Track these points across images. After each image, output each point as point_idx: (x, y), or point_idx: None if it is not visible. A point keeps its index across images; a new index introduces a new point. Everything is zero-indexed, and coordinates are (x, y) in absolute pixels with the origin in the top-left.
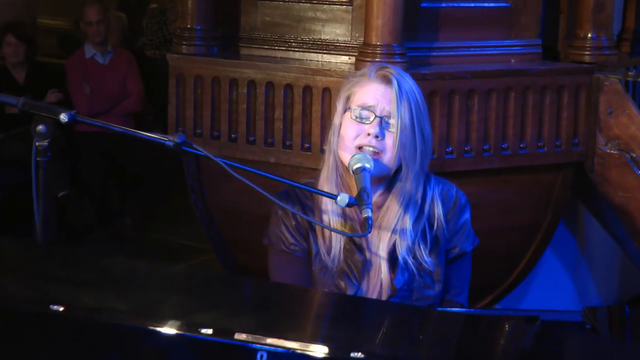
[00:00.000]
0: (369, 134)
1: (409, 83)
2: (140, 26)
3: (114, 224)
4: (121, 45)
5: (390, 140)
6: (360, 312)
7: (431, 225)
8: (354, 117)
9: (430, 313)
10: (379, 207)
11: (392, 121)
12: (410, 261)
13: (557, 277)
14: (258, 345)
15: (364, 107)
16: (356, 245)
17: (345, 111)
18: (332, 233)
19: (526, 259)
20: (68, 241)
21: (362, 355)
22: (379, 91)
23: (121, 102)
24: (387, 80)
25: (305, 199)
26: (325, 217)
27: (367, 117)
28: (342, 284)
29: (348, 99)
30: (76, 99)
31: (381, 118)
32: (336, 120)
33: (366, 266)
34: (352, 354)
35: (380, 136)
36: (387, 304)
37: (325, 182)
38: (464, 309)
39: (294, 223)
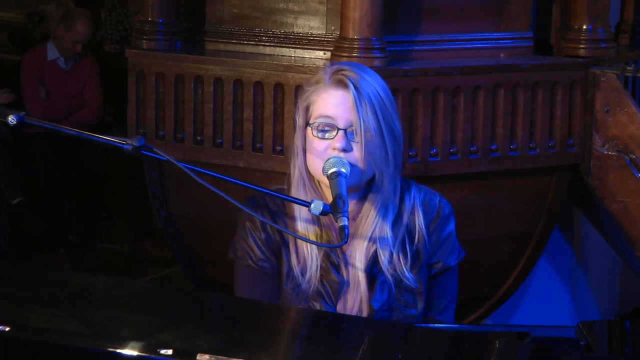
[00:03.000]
0: (334, 149)
1: (370, 82)
2: (99, 18)
3: (68, 235)
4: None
5: (358, 152)
6: (338, 330)
7: (412, 239)
8: (316, 134)
9: (413, 330)
10: (354, 217)
11: (356, 130)
12: (390, 274)
13: (552, 289)
14: None
15: (324, 121)
16: (333, 264)
17: (306, 126)
18: (307, 250)
19: (518, 270)
20: (21, 254)
21: None
22: (337, 99)
23: (77, 112)
24: (343, 85)
25: (276, 206)
26: (298, 227)
27: (330, 131)
28: (317, 305)
29: (307, 110)
30: (29, 103)
31: (345, 130)
32: (298, 132)
33: (342, 287)
34: None
35: (347, 149)
36: (366, 321)
37: (295, 192)
38: (449, 325)
39: (263, 236)
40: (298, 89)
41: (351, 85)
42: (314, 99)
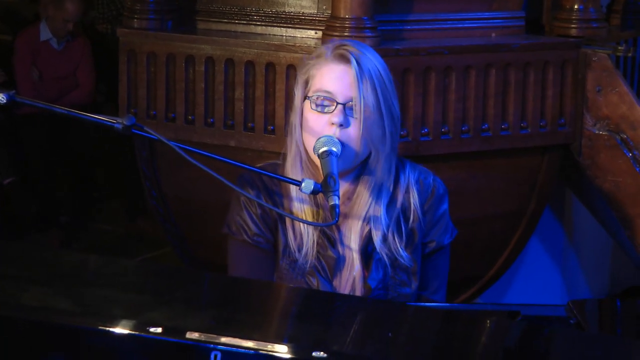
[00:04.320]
0: (332, 124)
1: (371, 59)
2: None
3: (60, 216)
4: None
5: (356, 128)
6: (330, 308)
7: (406, 218)
8: (314, 108)
9: (405, 309)
10: (349, 197)
11: (356, 106)
12: (385, 253)
13: (543, 268)
14: (211, 345)
15: (323, 95)
16: (329, 239)
17: (304, 99)
18: (304, 226)
19: (509, 249)
20: (12, 234)
21: (325, 355)
22: (338, 74)
23: (69, 93)
24: (345, 60)
25: (273, 185)
26: (294, 206)
27: (328, 106)
28: (314, 280)
29: (306, 84)
30: (21, 84)
31: (344, 105)
32: (296, 107)
33: (339, 263)
34: (314, 354)
35: (344, 124)
36: (359, 299)
37: (290, 169)
38: (440, 304)
39: (259, 211)
40: (289, 68)
41: (353, 61)
42: (313, 72)
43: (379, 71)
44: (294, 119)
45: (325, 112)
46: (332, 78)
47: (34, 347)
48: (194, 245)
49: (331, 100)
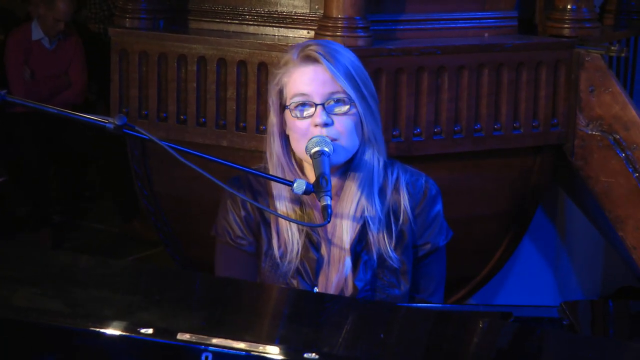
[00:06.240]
0: (316, 125)
1: (340, 50)
2: None
3: (52, 214)
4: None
5: (341, 123)
6: (321, 309)
7: (396, 218)
8: (294, 115)
9: (397, 310)
10: (336, 193)
11: (336, 101)
12: (375, 251)
13: (536, 268)
14: (202, 346)
15: (300, 100)
16: (312, 242)
17: (283, 109)
18: (289, 234)
19: (502, 250)
20: (4, 234)
21: (316, 356)
22: (309, 75)
23: (62, 92)
24: (313, 60)
25: (259, 186)
26: (279, 207)
27: (308, 108)
28: (295, 283)
29: (281, 94)
30: (13, 84)
31: (322, 105)
32: (273, 119)
33: (321, 265)
34: (305, 355)
35: (328, 123)
36: (349, 300)
37: (273, 174)
38: (432, 305)
39: (243, 214)
40: None
41: (322, 58)
42: (285, 80)
43: (350, 59)
44: (272, 128)
45: (306, 117)
46: (304, 81)
47: (23, 348)
48: (186, 244)
49: (309, 102)
